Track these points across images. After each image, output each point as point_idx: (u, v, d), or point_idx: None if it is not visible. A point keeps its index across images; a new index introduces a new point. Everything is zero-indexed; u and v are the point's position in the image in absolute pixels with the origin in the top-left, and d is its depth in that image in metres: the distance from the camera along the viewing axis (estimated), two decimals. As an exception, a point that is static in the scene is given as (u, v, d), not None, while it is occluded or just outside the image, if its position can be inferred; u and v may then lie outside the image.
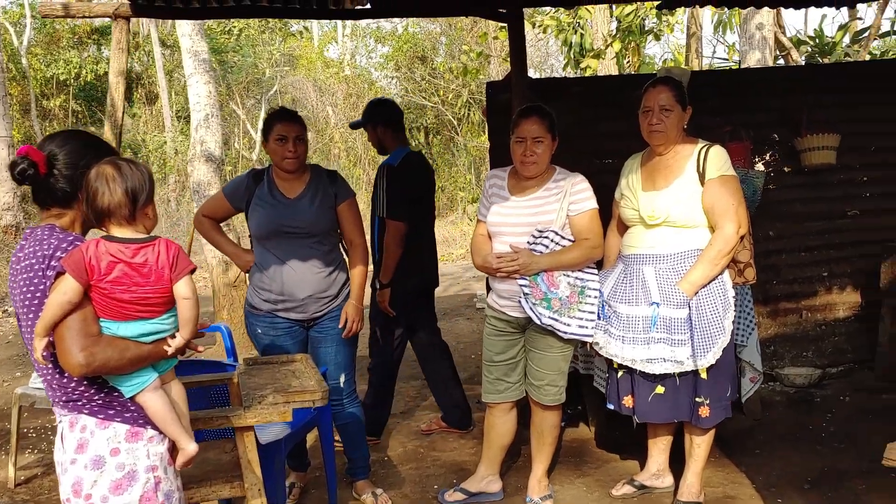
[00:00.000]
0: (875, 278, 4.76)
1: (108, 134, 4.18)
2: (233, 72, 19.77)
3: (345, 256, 3.63)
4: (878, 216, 5.01)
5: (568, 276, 3.10)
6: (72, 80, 20.23)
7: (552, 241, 3.09)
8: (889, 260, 4.63)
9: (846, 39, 9.90)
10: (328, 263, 3.44)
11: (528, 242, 3.09)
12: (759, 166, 4.97)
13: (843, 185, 5.01)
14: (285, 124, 3.38)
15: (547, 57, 18.20)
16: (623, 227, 3.33)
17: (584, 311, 3.11)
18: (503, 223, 3.18)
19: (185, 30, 6.21)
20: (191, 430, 2.11)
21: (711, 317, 3.00)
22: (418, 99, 19.08)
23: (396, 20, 20.46)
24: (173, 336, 1.99)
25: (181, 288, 1.94)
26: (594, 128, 4.66)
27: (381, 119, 4.25)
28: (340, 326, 3.45)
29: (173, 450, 2.09)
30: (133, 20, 4.25)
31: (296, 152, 3.37)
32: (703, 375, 3.06)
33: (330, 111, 20.32)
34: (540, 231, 3.07)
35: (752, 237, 3.21)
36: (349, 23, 24.84)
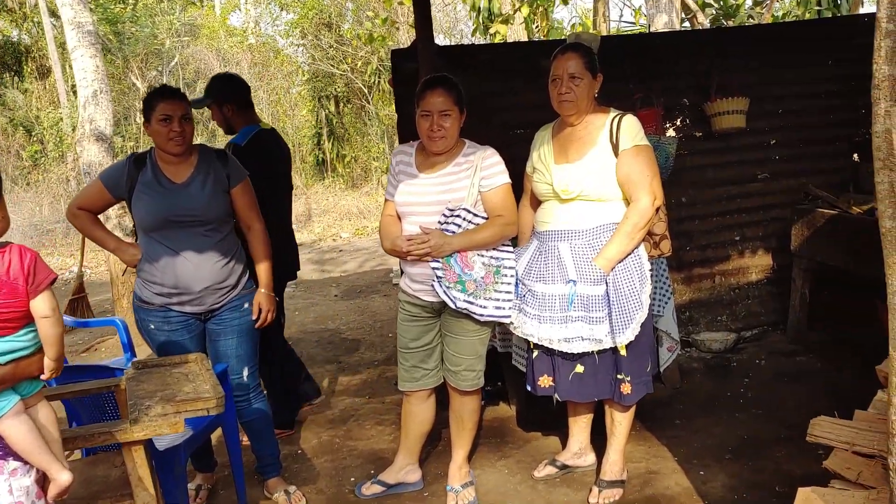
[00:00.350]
0: (786, 241, 4.80)
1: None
2: (129, 44, 18.79)
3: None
4: (788, 178, 5.04)
5: (482, 255, 2.95)
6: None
7: (464, 219, 2.92)
8: (799, 222, 4.66)
9: (748, 2, 10.03)
10: (225, 252, 3.19)
11: (439, 222, 2.91)
12: (671, 132, 4.92)
13: (753, 149, 5.02)
14: (169, 102, 3.10)
15: (456, 23, 17.99)
16: (536, 202, 3.19)
17: (500, 292, 2.96)
18: (412, 202, 2.99)
19: (65, -1, 5.72)
20: (63, 457, 1.86)
21: (629, 292, 2.91)
22: (326, 67, 18.59)
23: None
24: (33, 354, 1.74)
25: (39, 305, 1.70)
26: (505, 98, 4.50)
27: (228, 96, 3.97)
28: (254, 318, 3.26)
29: (45, 480, 1.85)
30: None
31: (182, 133, 3.10)
32: (623, 352, 2.97)
33: (236, 82, 19.63)
34: (451, 210, 2.90)
35: (666, 207, 3.12)
36: (251, -11, 23.96)
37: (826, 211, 4.46)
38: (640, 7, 11.22)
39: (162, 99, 3.11)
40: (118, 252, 3.25)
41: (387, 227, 3.09)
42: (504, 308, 2.96)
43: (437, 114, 2.91)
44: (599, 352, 2.97)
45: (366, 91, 18.40)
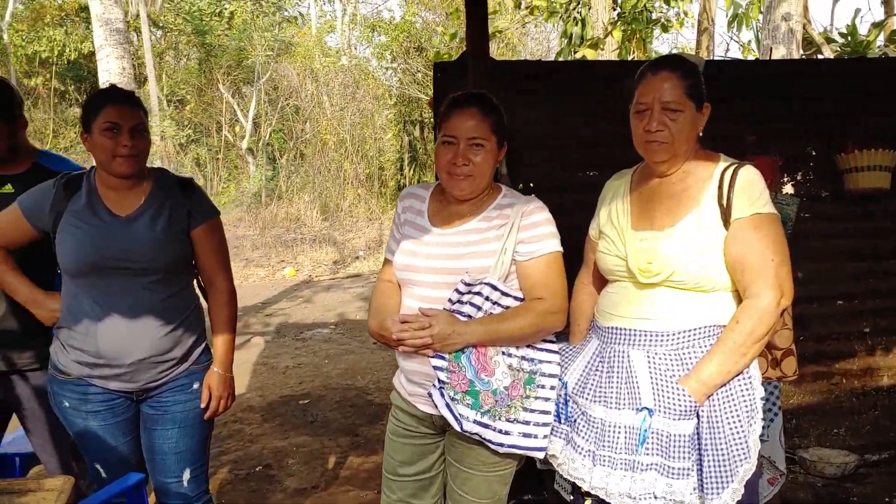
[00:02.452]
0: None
1: None
2: (216, 54, 18.74)
3: (201, 300, 2.55)
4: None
5: (509, 355, 2.02)
6: (55, 59, 19.18)
7: (487, 299, 2.00)
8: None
9: (881, 39, 8.74)
10: (173, 313, 2.38)
11: (449, 300, 2.00)
12: (789, 188, 3.89)
13: (896, 217, 3.92)
14: (117, 108, 2.32)
15: (548, 53, 17.12)
16: (601, 281, 2.23)
17: (532, 411, 2.02)
18: (415, 267, 2.09)
19: (95, -9, 5.12)
20: None
21: (731, 434, 1.92)
22: (414, 91, 18.04)
23: (395, 8, 19.50)
24: None
25: None
26: (577, 128, 3.55)
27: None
28: (203, 406, 2.43)
29: None
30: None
31: (133, 147, 2.31)
32: (711, 522, 1.97)
33: (327, 101, 19.36)
34: (468, 283, 1.98)
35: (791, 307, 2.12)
36: (348, 10, 23.81)
37: None
38: (749, 42, 10.06)
39: (109, 102, 2.33)
40: (31, 305, 2.46)
41: (379, 299, 2.19)
42: (537, 436, 2.01)
43: (465, 142, 2.03)
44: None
45: (450, 118, 17.73)
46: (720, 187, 1.96)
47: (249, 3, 20.55)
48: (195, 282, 2.54)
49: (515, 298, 2.05)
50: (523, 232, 2.04)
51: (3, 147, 2.57)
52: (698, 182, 2.01)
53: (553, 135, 3.43)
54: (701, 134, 2.04)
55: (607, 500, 2.00)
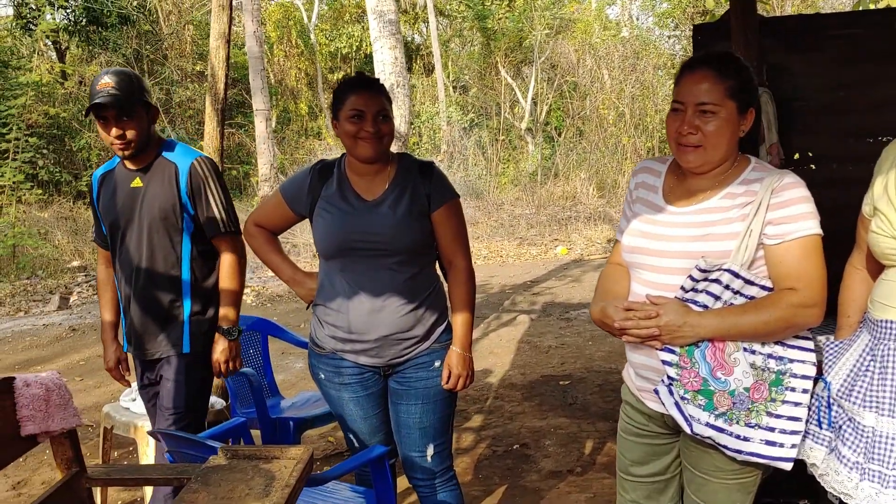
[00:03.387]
0: None
1: (208, 109, 3.49)
2: (496, 38, 19.25)
3: (443, 282, 2.60)
4: None
5: (753, 352, 1.79)
6: (353, 54, 21.04)
7: (727, 287, 1.78)
8: None
9: None
10: (415, 293, 2.45)
11: (682, 288, 1.81)
12: None
13: None
14: (362, 95, 2.42)
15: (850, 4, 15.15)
16: (877, 266, 1.89)
17: (779, 417, 1.77)
18: (645, 249, 1.92)
19: (371, -13, 5.46)
20: None
21: None
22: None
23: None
24: None
25: None
26: (869, 92, 3.05)
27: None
28: (445, 384, 2.48)
29: None
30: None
31: (377, 132, 2.40)
32: None
33: (606, 75, 19.08)
34: (704, 270, 1.78)
35: None
36: (628, -21, 23.16)
37: None
38: None
39: (354, 90, 2.44)
40: (293, 284, 2.67)
41: (605, 283, 2.05)
42: (783, 445, 1.76)
43: (693, 108, 1.82)
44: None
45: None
46: None
47: (529, -18, 20.80)
48: (437, 263, 2.61)
49: (762, 288, 1.79)
50: (774, 211, 1.78)
51: (142, 138, 2.66)
52: None
53: (834, 98, 3.00)
54: None
55: (880, 521, 1.70)
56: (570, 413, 4.41)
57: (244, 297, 8.66)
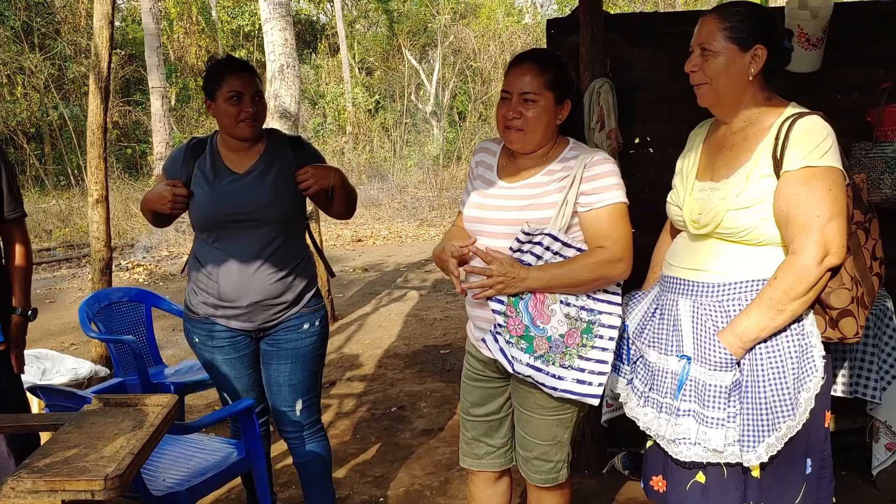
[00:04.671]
0: None
1: (91, 87, 3.57)
2: (400, 20, 19.34)
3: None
4: None
5: (568, 304, 2.08)
6: (255, 32, 20.70)
7: (547, 248, 2.07)
8: None
9: None
10: (286, 260, 2.65)
11: (510, 248, 2.09)
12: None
13: None
14: (239, 77, 2.61)
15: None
16: (677, 232, 2.23)
17: (587, 360, 2.08)
18: (482, 219, 2.20)
19: (261, -31, 5.57)
20: None
21: (774, 388, 1.88)
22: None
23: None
24: None
25: None
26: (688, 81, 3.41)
27: None
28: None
29: None
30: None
31: (255, 114, 2.59)
32: (755, 474, 1.95)
33: (509, 60, 19.47)
34: (528, 233, 2.06)
35: (878, 262, 1.99)
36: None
37: None
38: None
39: (231, 72, 2.62)
40: (159, 194, 2.61)
41: (446, 237, 2.32)
42: (591, 384, 2.07)
43: (518, 96, 2.10)
44: (729, 464, 1.98)
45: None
46: (776, 138, 1.89)
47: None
48: (307, 234, 2.82)
49: (578, 250, 2.09)
50: (585, 184, 2.08)
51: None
52: (758, 133, 1.95)
53: (671, 89, 3.34)
54: (754, 77, 1.93)
55: (656, 440, 2.04)
56: (447, 378, 4.71)
57: (136, 274, 8.64)
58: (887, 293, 2.77)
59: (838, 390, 2.63)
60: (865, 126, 3.15)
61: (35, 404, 3.13)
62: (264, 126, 2.74)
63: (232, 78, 2.60)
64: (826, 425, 2.03)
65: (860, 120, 3.16)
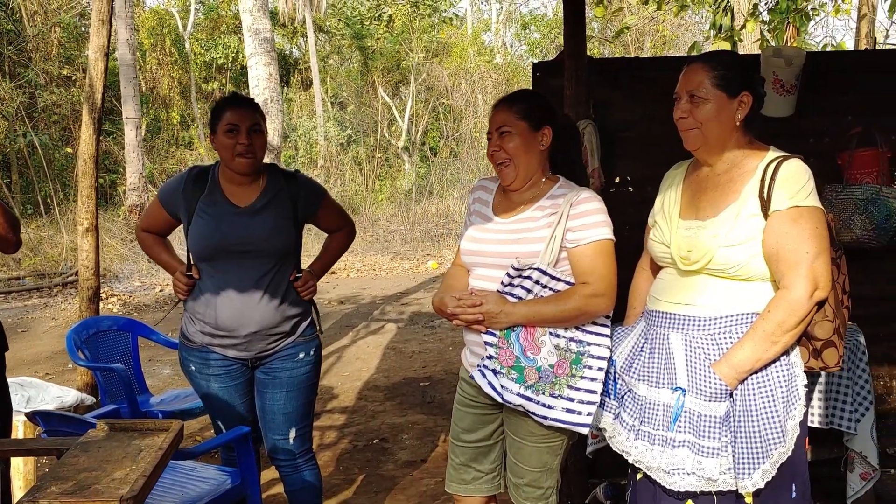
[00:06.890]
0: None
1: (85, 117, 3.63)
2: (374, 57, 19.58)
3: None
4: None
5: (557, 336, 2.19)
6: (229, 64, 20.82)
7: (536, 282, 2.18)
8: None
9: None
10: (282, 291, 2.72)
11: (501, 283, 2.20)
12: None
13: None
14: (237, 111, 2.70)
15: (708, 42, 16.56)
16: (656, 268, 2.35)
17: (577, 390, 2.18)
18: (478, 252, 2.31)
19: (247, 5, 5.69)
20: None
21: (765, 417, 1.99)
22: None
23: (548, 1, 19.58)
24: None
25: None
26: (665, 124, 3.57)
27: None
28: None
29: None
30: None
31: (250, 145, 2.68)
32: (749, 500, 2.05)
33: (480, 99, 19.81)
34: (518, 269, 2.17)
35: (846, 296, 2.14)
36: (504, 7, 24.11)
37: None
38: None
39: (230, 106, 2.71)
40: (167, 266, 2.88)
41: (448, 280, 2.44)
42: (581, 413, 2.17)
43: (496, 132, 2.27)
44: (720, 492, 2.08)
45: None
46: (762, 180, 2.02)
47: (407, 6, 21.31)
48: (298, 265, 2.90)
49: (567, 283, 2.20)
50: (572, 220, 2.19)
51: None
52: (743, 174, 2.08)
53: (650, 130, 3.50)
54: (741, 123, 2.08)
55: (648, 473, 2.13)
56: (428, 410, 4.77)
57: (110, 304, 8.57)
58: (858, 328, 2.92)
59: (815, 421, 2.76)
60: (836, 169, 3.33)
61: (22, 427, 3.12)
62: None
63: (230, 111, 2.69)
64: (805, 452, 2.15)
65: (831, 163, 3.35)
